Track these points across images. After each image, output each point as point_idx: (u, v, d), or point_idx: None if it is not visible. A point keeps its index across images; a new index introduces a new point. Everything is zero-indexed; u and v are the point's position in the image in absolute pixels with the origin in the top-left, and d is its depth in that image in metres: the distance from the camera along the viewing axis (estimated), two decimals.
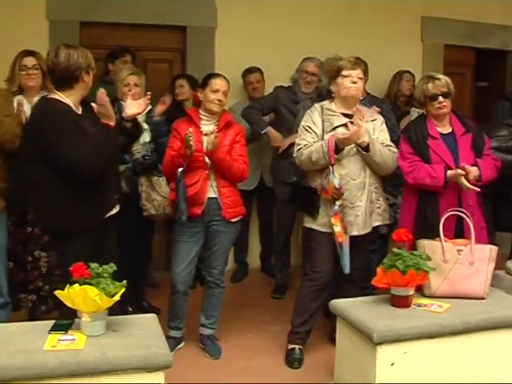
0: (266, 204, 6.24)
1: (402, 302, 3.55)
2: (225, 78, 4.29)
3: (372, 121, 4.22)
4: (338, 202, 4.02)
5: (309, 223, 4.24)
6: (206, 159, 4.13)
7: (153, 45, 6.30)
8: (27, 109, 4.20)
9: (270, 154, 5.79)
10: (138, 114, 3.75)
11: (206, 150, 4.08)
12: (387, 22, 6.74)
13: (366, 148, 4.04)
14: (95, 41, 5.80)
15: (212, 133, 4.09)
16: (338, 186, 3.98)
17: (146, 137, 4.68)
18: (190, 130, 4.03)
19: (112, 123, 3.57)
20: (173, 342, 4.28)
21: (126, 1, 6.07)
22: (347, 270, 4.09)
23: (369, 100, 5.00)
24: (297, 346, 4.30)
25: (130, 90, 4.60)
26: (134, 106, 3.69)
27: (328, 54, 5.47)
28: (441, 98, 4.07)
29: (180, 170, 4.07)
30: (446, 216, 3.75)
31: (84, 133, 3.42)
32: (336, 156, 3.99)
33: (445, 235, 3.73)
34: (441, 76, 4.14)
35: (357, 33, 6.52)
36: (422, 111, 4.37)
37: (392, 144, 4.23)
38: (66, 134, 3.32)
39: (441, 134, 4.12)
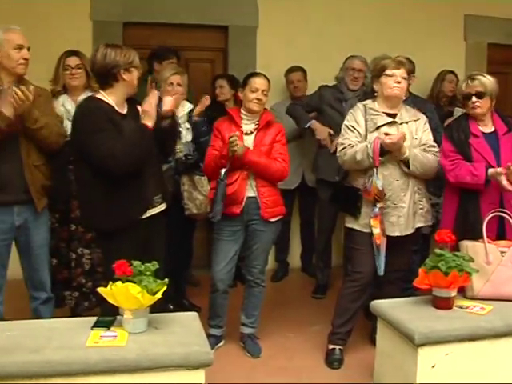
0: (307, 203, 6.23)
1: (443, 304, 3.52)
2: (265, 77, 4.28)
3: (415, 120, 4.18)
4: (378, 205, 4.01)
5: (350, 223, 4.22)
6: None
7: (194, 44, 6.34)
8: (72, 108, 4.25)
9: (312, 153, 5.78)
10: (173, 108, 3.76)
11: (230, 153, 4.03)
12: (430, 21, 6.67)
13: (407, 163, 4.04)
14: (138, 41, 5.84)
15: (234, 136, 4.04)
16: (380, 188, 3.97)
17: (188, 136, 4.73)
18: (237, 133, 4.06)
19: (150, 124, 3.56)
20: (213, 341, 4.29)
21: (168, 1, 6.13)
22: (381, 272, 4.08)
23: (412, 100, 4.95)
24: (337, 347, 4.28)
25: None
26: (170, 102, 3.70)
27: (371, 52, 5.42)
28: (474, 98, 4.01)
29: (223, 170, 4.08)
30: (489, 217, 3.71)
31: (121, 131, 3.44)
32: (381, 159, 3.98)
33: (487, 235, 3.69)
34: (479, 76, 4.07)
35: (399, 32, 6.46)
36: (465, 111, 4.33)
37: (435, 144, 4.19)
38: (95, 133, 3.34)
39: (483, 132, 4.07)
